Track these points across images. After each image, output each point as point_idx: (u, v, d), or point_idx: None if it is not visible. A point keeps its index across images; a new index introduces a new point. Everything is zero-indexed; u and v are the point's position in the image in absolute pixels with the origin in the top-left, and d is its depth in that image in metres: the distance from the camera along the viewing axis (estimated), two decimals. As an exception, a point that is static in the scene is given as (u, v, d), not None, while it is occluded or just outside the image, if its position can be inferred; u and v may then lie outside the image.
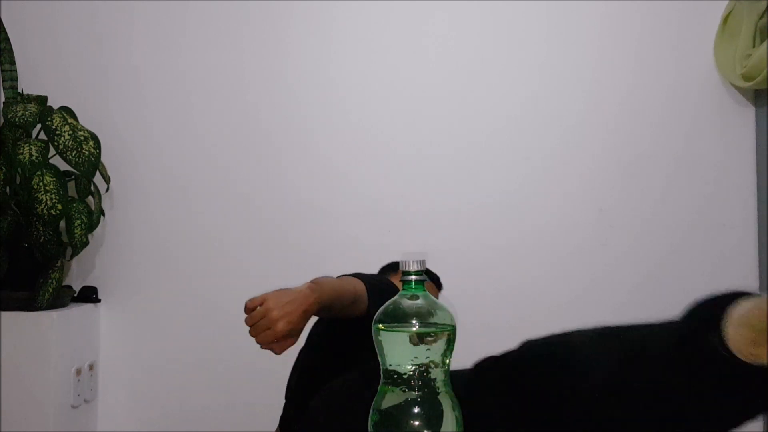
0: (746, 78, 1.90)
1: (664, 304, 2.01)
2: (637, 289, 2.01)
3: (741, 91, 2.01)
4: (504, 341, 2.01)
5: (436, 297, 1.74)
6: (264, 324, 1.10)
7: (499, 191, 2.05)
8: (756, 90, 1.99)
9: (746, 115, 2.02)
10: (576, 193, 2.03)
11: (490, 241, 2.02)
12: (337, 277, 1.31)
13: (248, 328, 1.13)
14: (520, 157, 2.05)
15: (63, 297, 1.92)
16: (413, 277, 0.87)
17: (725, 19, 1.98)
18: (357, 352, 1.22)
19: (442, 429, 0.82)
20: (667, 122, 2.04)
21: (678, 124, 2.04)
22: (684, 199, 2.02)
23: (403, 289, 0.87)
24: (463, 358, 2.00)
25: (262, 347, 1.13)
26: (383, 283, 1.35)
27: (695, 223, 2.01)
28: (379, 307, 0.93)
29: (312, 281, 1.20)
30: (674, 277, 2.01)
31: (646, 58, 2.04)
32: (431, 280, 1.72)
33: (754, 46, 1.90)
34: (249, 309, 1.14)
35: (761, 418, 1.93)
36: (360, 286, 1.25)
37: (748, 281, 1.99)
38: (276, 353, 1.14)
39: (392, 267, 1.73)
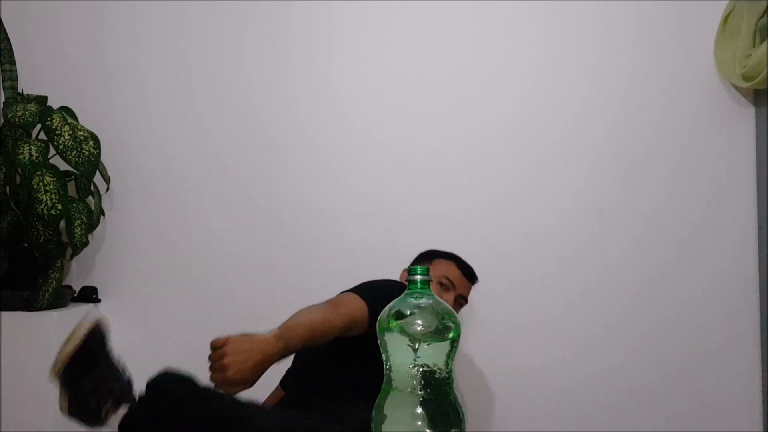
0: (746, 78, 1.90)
1: (664, 303, 2.04)
2: (636, 289, 2.01)
3: (741, 91, 2.01)
4: (504, 341, 2.02)
5: (468, 290, 1.71)
6: (218, 366, 1.14)
7: (499, 191, 2.05)
8: (756, 90, 1.99)
9: (746, 115, 2.02)
10: (576, 194, 2.04)
11: (490, 241, 2.02)
12: (331, 300, 1.32)
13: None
14: (520, 157, 2.05)
15: (63, 297, 1.91)
16: (419, 277, 0.87)
17: (725, 19, 1.98)
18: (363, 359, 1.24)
19: (445, 429, 0.82)
20: (668, 122, 2.04)
21: (678, 124, 2.04)
22: (684, 199, 2.02)
23: (409, 289, 0.87)
24: (464, 357, 2.01)
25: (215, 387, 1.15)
26: (385, 294, 1.37)
27: (695, 222, 2.02)
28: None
29: (283, 327, 1.20)
30: (674, 277, 2.01)
31: (646, 58, 2.05)
32: (464, 275, 1.70)
33: (754, 46, 1.90)
34: (213, 347, 1.17)
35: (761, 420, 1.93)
36: (357, 310, 1.28)
37: (748, 281, 2.00)
38: (227, 393, 1.17)
39: (428, 255, 1.70)
